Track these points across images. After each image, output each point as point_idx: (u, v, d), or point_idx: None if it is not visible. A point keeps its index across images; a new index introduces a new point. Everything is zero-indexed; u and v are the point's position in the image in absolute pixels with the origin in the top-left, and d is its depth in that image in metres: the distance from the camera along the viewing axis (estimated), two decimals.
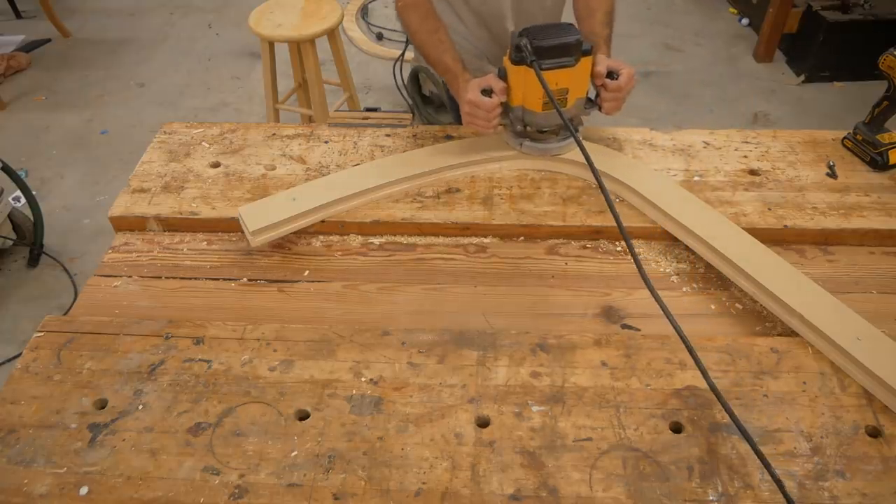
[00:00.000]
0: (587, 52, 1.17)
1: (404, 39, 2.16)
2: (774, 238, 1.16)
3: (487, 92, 1.21)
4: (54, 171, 3.02)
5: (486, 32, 1.52)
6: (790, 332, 1.01)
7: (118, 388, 0.94)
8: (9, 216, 2.46)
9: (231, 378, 0.95)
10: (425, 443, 0.87)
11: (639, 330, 1.04)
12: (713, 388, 0.84)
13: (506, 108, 1.25)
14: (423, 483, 0.83)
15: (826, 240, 1.18)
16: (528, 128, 1.27)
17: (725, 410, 0.82)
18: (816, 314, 0.97)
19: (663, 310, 0.88)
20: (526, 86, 1.18)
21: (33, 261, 2.54)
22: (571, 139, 1.29)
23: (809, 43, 3.37)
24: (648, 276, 0.92)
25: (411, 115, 1.92)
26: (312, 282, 1.14)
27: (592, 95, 1.27)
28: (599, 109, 1.26)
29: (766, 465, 0.79)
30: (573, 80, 1.18)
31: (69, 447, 0.87)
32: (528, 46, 1.13)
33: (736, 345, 0.98)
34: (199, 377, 0.95)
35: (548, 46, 1.13)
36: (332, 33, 2.56)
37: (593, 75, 1.21)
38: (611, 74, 1.20)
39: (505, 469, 0.84)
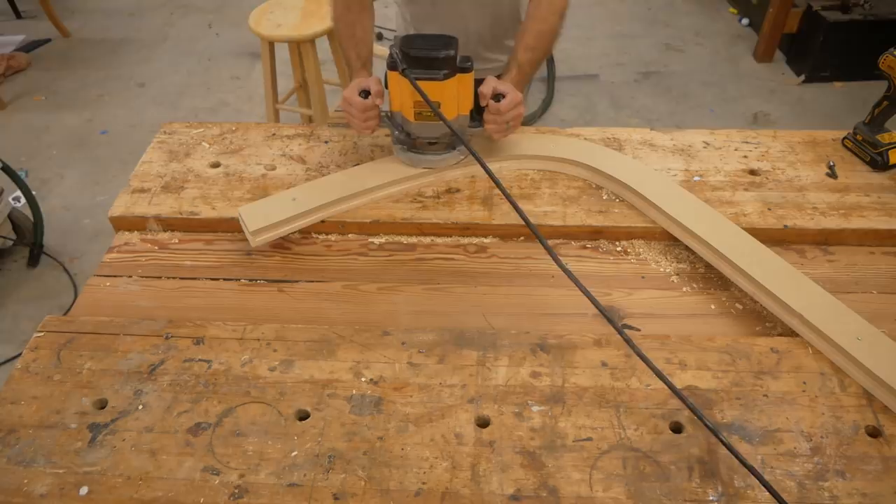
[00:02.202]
0: (465, 70, 1.14)
1: None
2: (774, 238, 1.16)
3: (366, 93, 1.21)
4: (54, 171, 3.02)
5: (440, 28, 1.51)
6: (790, 332, 1.01)
7: (118, 388, 0.94)
8: (9, 216, 2.46)
9: (231, 378, 0.95)
10: (425, 443, 0.87)
11: (639, 330, 1.04)
12: (668, 384, 0.84)
13: (391, 113, 1.25)
14: (423, 483, 0.83)
15: (826, 240, 1.18)
16: (417, 139, 1.25)
17: (687, 405, 0.82)
18: (816, 314, 0.97)
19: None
20: (401, 93, 1.18)
21: (33, 261, 2.54)
22: (448, 154, 1.27)
23: (809, 43, 3.37)
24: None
25: None
26: (312, 282, 1.14)
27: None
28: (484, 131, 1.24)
29: (741, 461, 0.78)
30: (445, 94, 1.15)
31: (69, 447, 0.87)
32: (398, 54, 1.12)
33: (736, 345, 0.98)
34: (199, 377, 0.95)
35: (415, 56, 1.11)
36: (332, 33, 2.56)
37: (478, 95, 1.19)
38: (498, 97, 1.18)
39: (505, 469, 0.84)
